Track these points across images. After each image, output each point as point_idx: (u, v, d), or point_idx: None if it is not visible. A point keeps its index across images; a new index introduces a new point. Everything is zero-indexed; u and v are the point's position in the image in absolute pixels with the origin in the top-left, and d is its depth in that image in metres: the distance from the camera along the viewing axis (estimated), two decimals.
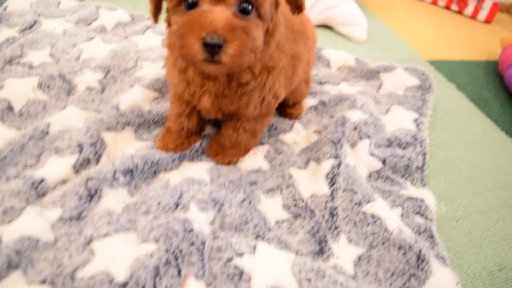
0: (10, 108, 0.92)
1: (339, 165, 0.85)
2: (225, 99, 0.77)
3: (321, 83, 1.17)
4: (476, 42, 1.71)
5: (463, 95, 1.32)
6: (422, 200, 0.86)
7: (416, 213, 0.83)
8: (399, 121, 1.05)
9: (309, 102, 1.09)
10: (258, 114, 0.83)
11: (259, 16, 0.65)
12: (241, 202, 0.79)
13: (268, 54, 0.74)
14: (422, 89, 1.16)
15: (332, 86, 1.16)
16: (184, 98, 0.82)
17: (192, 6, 0.62)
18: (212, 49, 0.58)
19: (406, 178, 0.93)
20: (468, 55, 1.60)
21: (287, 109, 1.04)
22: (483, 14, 1.87)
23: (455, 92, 1.33)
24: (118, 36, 1.20)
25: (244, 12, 0.62)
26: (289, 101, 1.01)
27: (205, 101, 0.77)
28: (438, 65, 1.46)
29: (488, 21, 1.88)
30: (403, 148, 0.98)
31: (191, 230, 0.70)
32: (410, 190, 0.89)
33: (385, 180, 0.91)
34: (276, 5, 0.69)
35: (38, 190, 0.76)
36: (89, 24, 1.23)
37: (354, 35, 1.48)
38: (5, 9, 1.19)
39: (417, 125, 1.05)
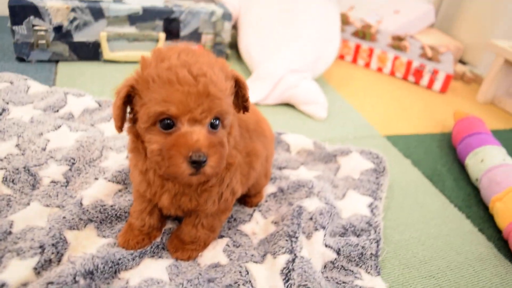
0: None
1: (294, 260, 0.89)
2: (183, 197, 0.82)
3: (280, 168, 1.22)
4: (431, 114, 1.83)
5: (418, 170, 1.40)
6: None
7: None
8: (354, 206, 1.11)
9: (268, 189, 1.13)
10: (216, 210, 0.88)
11: (223, 126, 0.74)
12: None
13: (227, 152, 0.80)
14: (377, 172, 1.23)
15: (291, 170, 1.21)
16: (146, 196, 0.86)
17: (169, 126, 0.69)
18: (198, 165, 0.68)
19: (361, 267, 0.96)
20: (424, 128, 1.70)
21: (246, 197, 1.08)
22: (437, 85, 2.01)
23: (410, 168, 1.40)
24: (84, 124, 1.25)
25: (213, 127, 0.72)
26: (249, 192, 1.06)
27: (165, 200, 0.82)
28: (395, 140, 1.55)
29: (443, 91, 2.02)
30: (358, 236, 1.03)
31: None
32: (364, 279, 0.93)
33: (339, 270, 0.94)
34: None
35: None
36: (57, 111, 1.27)
37: (315, 113, 1.57)
38: None
39: (372, 210, 1.10)
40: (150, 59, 0.72)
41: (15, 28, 1.47)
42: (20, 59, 1.57)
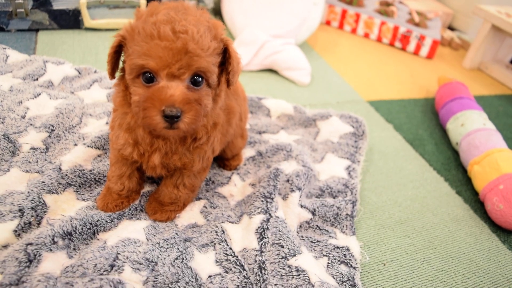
0: None
1: (268, 220, 0.91)
2: (174, 155, 0.84)
3: (260, 132, 1.23)
4: (416, 80, 1.83)
5: (400, 135, 1.41)
6: (347, 249, 0.92)
7: (341, 262, 0.90)
8: (332, 169, 1.13)
9: (247, 152, 1.15)
10: (199, 169, 0.89)
11: (208, 85, 0.75)
12: (174, 260, 0.83)
13: (215, 112, 0.84)
14: (356, 136, 1.24)
15: (270, 135, 1.23)
16: (129, 159, 0.87)
17: (150, 80, 0.71)
18: (171, 119, 0.69)
19: (336, 227, 0.99)
20: (408, 94, 1.70)
21: (225, 161, 1.10)
22: (424, 51, 2.00)
23: (392, 133, 1.42)
24: (64, 91, 1.24)
25: (195, 84, 0.73)
26: (227, 154, 1.07)
27: (155, 159, 0.83)
28: (378, 105, 1.56)
29: (429, 57, 2.01)
30: (334, 197, 1.05)
31: None
32: (339, 239, 0.96)
33: (315, 230, 0.97)
34: (221, 74, 0.80)
35: None
36: (36, 79, 1.27)
37: (298, 79, 1.57)
38: None
39: (349, 173, 1.12)
40: (142, 12, 0.74)
41: None
42: (0, 29, 1.55)
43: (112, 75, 0.79)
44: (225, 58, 0.78)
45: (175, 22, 0.69)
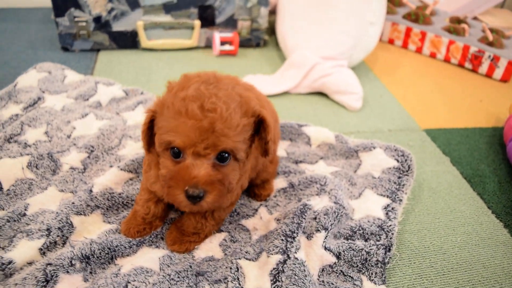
0: None
1: (285, 261, 0.86)
2: None
3: (297, 162, 1.18)
4: (486, 106, 1.65)
5: (457, 170, 1.27)
6: None
7: None
8: (369, 208, 1.04)
9: (279, 183, 1.10)
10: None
11: (236, 159, 0.75)
12: None
13: (243, 178, 0.86)
14: (400, 171, 1.14)
15: (308, 165, 1.17)
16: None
17: (178, 155, 0.73)
18: (194, 199, 0.71)
19: (363, 273, 0.91)
20: (473, 122, 1.54)
21: (255, 189, 1.07)
22: (498, 73, 1.80)
23: (448, 168, 1.28)
24: (110, 112, 1.30)
25: (222, 160, 0.73)
26: (255, 181, 1.04)
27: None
28: (436, 134, 1.43)
29: (504, 80, 1.81)
30: (366, 239, 0.97)
31: None
32: (365, 287, 0.87)
33: (338, 275, 0.90)
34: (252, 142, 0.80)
35: (5, 271, 0.83)
36: (87, 99, 1.34)
37: (348, 103, 1.49)
38: (15, 85, 1.33)
39: (387, 213, 1.03)
40: (173, 85, 0.75)
41: (59, 20, 1.57)
42: (65, 49, 1.67)
43: (148, 150, 0.82)
44: (260, 128, 0.78)
45: (205, 98, 0.69)
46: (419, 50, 1.99)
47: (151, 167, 0.86)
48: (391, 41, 2.05)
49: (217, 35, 1.72)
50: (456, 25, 1.90)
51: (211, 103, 0.69)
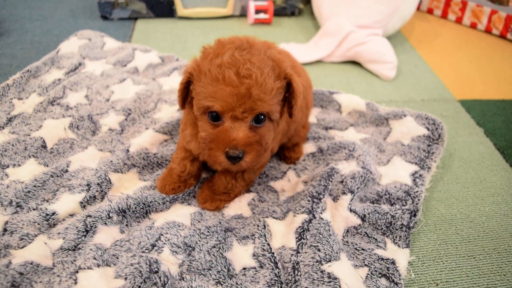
0: (44, 146, 1.09)
1: (310, 220, 0.89)
2: None
3: (326, 128, 1.19)
4: None
5: (490, 141, 1.25)
6: (393, 262, 0.86)
7: (383, 276, 0.84)
8: (396, 174, 1.05)
9: (308, 148, 1.12)
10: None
11: (270, 120, 0.80)
12: (211, 248, 0.86)
13: (276, 139, 0.91)
14: (430, 139, 1.13)
15: (337, 131, 1.18)
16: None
17: (216, 118, 0.77)
18: (234, 159, 0.76)
19: (388, 236, 0.93)
20: (511, 94, 1.49)
21: (286, 152, 1.10)
22: None
23: (481, 139, 1.26)
24: (147, 78, 1.34)
25: (258, 121, 0.77)
26: (286, 144, 1.07)
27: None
28: (470, 105, 1.39)
29: None
30: (392, 204, 0.98)
31: (156, 272, 0.79)
32: (387, 249, 0.89)
33: (362, 236, 0.92)
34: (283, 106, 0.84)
35: (49, 222, 0.90)
36: (125, 65, 1.39)
37: (382, 73, 1.47)
38: (57, 52, 1.39)
39: (414, 179, 1.03)
40: (209, 50, 0.79)
41: None
42: (104, 17, 1.72)
43: (182, 107, 0.85)
44: (289, 91, 0.81)
45: (240, 65, 0.72)
46: (459, 20, 1.91)
47: (187, 126, 0.90)
48: (430, 11, 1.98)
49: (252, 4, 1.72)
50: None
51: (246, 69, 0.72)
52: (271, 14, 1.74)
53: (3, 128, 1.13)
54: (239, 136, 0.74)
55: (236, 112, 0.73)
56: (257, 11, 1.74)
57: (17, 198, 0.94)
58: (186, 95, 0.83)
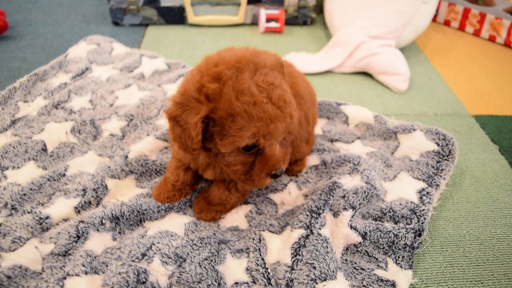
0: (44, 149, 1.08)
1: (307, 236, 0.85)
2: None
3: (332, 140, 1.16)
4: None
5: (505, 160, 1.19)
6: (393, 285, 0.81)
7: None
8: (402, 190, 1.00)
9: (311, 160, 1.09)
10: None
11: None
12: (203, 260, 0.83)
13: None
14: (439, 155, 1.08)
15: (343, 144, 1.14)
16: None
17: (251, 148, 0.75)
18: (277, 176, 0.79)
19: (389, 256, 0.88)
20: None
21: (288, 165, 1.05)
22: None
23: (495, 156, 1.20)
24: (152, 84, 1.33)
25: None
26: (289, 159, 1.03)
27: (209, 174, 0.90)
28: (485, 121, 1.33)
29: None
30: (396, 222, 0.93)
31: (144, 282, 0.76)
32: (388, 270, 0.85)
33: (362, 255, 0.87)
34: None
35: (43, 225, 0.89)
36: (132, 71, 1.38)
37: (393, 85, 1.43)
38: (66, 56, 1.40)
39: (421, 197, 0.98)
40: (227, 76, 0.69)
41: None
42: (115, 23, 1.73)
43: (200, 148, 0.74)
44: None
45: (272, 95, 0.69)
46: (477, 33, 1.85)
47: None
48: (447, 23, 1.93)
49: (263, 12, 1.70)
50: None
51: (277, 97, 0.69)
52: (282, 23, 1.72)
53: (6, 130, 1.13)
54: (281, 158, 0.77)
55: (278, 138, 0.74)
56: (268, 20, 1.72)
57: (12, 200, 0.94)
58: (201, 140, 0.73)
